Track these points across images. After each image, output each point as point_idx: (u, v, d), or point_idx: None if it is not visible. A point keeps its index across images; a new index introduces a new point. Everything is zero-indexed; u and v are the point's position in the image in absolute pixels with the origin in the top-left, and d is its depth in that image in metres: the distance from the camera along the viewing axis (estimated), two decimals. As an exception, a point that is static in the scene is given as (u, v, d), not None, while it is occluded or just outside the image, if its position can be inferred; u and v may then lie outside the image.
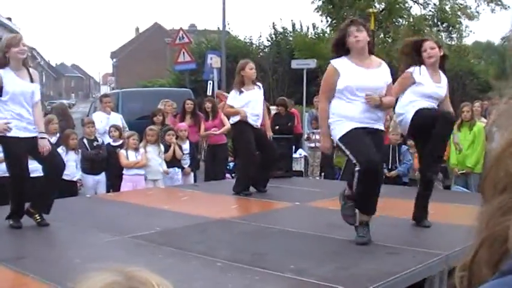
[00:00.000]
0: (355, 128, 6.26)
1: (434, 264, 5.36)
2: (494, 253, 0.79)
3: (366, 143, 6.22)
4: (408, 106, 6.94)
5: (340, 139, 6.31)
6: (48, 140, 7.35)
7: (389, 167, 11.20)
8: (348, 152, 6.25)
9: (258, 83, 9.71)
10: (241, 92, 9.41)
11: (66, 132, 10.40)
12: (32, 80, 7.09)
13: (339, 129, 6.32)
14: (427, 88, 6.93)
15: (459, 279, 0.89)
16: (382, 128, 6.70)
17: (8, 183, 7.22)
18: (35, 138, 7.01)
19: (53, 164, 7.25)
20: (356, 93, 6.30)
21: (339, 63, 6.40)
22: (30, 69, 7.23)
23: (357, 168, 6.10)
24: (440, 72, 7.25)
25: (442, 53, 7.15)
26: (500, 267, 0.78)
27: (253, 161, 9.42)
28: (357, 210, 6.32)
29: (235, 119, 9.40)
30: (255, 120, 9.44)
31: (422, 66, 7.01)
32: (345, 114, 6.32)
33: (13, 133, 6.83)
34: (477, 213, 0.87)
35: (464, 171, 10.80)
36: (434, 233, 6.70)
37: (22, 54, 6.97)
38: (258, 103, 9.49)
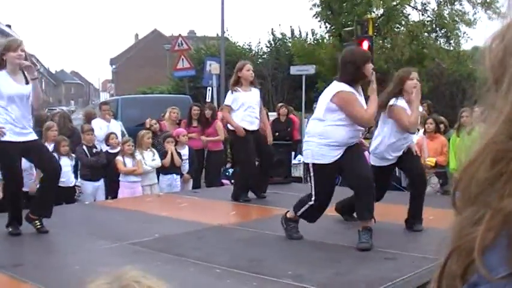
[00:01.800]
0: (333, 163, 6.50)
1: (433, 269, 5.35)
2: (462, 264, 0.80)
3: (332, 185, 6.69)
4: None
5: (314, 165, 6.55)
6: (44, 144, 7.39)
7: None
8: (312, 181, 6.58)
9: (255, 85, 9.70)
10: (234, 91, 9.41)
11: (57, 139, 10.39)
12: (27, 82, 7.08)
13: (320, 153, 6.49)
14: None
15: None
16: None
17: (3, 189, 7.25)
18: (29, 142, 7.03)
19: (50, 167, 7.28)
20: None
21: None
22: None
23: (310, 203, 6.57)
24: None
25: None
26: (468, 278, 0.80)
27: (252, 169, 9.46)
28: None
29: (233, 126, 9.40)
30: (251, 123, 9.41)
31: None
32: (335, 139, 6.50)
33: (7, 138, 6.83)
34: (450, 225, 0.89)
35: (463, 177, 10.78)
36: (433, 238, 6.69)
37: (19, 59, 6.94)
38: (254, 105, 9.45)
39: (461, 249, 0.81)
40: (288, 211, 6.82)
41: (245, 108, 9.31)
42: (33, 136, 7.20)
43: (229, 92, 9.59)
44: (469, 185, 0.81)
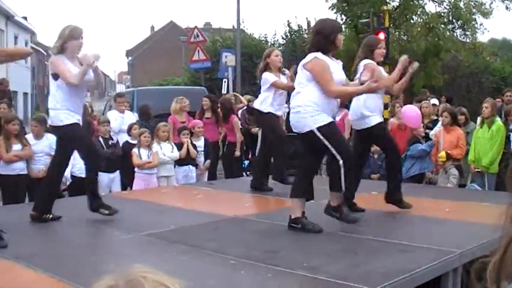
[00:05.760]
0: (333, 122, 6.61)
1: (449, 261, 5.34)
2: None
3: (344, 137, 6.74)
4: None
5: (319, 129, 6.47)
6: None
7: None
8: (329, 145, 6.45)
9: (285, 70, 9.66)
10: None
11: None
12: (81, 65, 7.26)
13: (316, 118, 6.49)
14: None
15: (490, 272, 0.89)
16: None
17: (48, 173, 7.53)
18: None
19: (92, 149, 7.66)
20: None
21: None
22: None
23: (341, 166, 6.41)
24: None
25: None
26: None
27: (284, 146, 9.51)
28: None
29: (265, 108, 9.32)
30: (279, 109, 9.47)
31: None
32: (322, 105, 6.52)
33: (73, 121, 7.10)
34: (504, 210, 0.88)
35: (479, 170, 10.69)
36: (448, 231, 6.67)
37: (80, 47, 7.22)
38: (283, 92, 9.43)
39: None
40: (329, 201, 6.75)
41: (275, 93, 9.29)
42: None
43: (268, 73, 9.39)
44: None
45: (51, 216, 7.17)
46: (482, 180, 10.65)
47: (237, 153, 12.78)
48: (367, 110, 7.51)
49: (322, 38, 6.64)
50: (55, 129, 7.51)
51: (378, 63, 7.66)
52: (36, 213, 7.18)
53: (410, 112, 11.09)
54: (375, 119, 7.57)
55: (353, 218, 6.81)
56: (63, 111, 7.07)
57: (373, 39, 8.36)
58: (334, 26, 6.92)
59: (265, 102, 9.27)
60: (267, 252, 5.61)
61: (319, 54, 6.57)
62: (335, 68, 6.68)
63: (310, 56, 6.60)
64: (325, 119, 6.48)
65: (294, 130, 6.88)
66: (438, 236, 6.30)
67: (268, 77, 9.24)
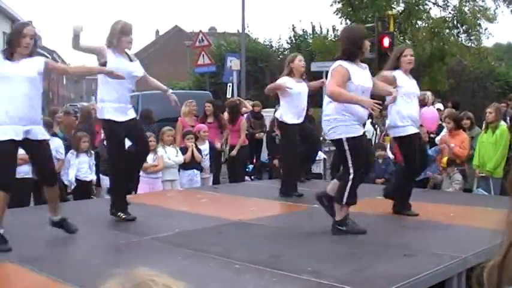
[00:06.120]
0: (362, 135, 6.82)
1: (452, 266, 5.34)
2: None
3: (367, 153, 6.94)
4: None
5: (348, 139, 6.62)
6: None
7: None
8: (349, 157, 6.63)
9: (304, 79, 9.76)
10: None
11: (77, 134, 10.44)
12: (131, 60, 7.47)
13: (349, 129, 6.62)
14: None
15: (488, 276, 0.90)
16: None
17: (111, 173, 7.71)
18: (131, 121, 7.34)
19: (144, 149, 7.80)
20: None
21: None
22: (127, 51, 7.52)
23: (350, 179, 6.61)
24: None
25: None
26: None
27: (295, 162, 9.58)
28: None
29: (284, 117, 9.40)
30: (300, 115, 9.47)
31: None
32: (353, 113, 6.64)
33: (113, 116, 7.17)
34: (505, 215, 0.88)
35: (484, 174, 10.67)
36: (452, 236, 6.67)
37: (130, 44, 7.38)
38: (304, 97, 9.50)
39: None
40: (335, 218, 6.78)
41: (298, 99, 9.38)
42: (132, 113, 7.48)
43: (287, 77, 9.47)
44: None
45: (123, 215, 7.35)
46: (487, 185, 10.62)
47: (234, 152, 12.78)
48: (401, 119, 7.68)
49: (350, 44, 6.74)
50: (100, 122, 7.75)
51: (407, 71, 7.82)
52: (113, 210, 7.44)
53: (427, 113, 11.09)
54: (408, 129, 7.71)
55: (360, 228, 6.77)
56: (105, 104, 7.26)
57: (396, 48, 8.52)
58: (361, 33, 7.06)
59: (284, 111, 9.41)
60: (272, 257, 5.62)
61: (344, 62, 6.66)
62: (360, 75, 6.75)
63: (336, 63, 6.72)
64: (357, 131, 6.67)
65: (326, 137, 7.04)
66: (442, 241, 6.30)
67: (278, 80, 9.37)
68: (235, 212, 8.28)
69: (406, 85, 7.69)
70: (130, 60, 7.44)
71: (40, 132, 6.28)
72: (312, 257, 5.65)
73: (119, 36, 7.20)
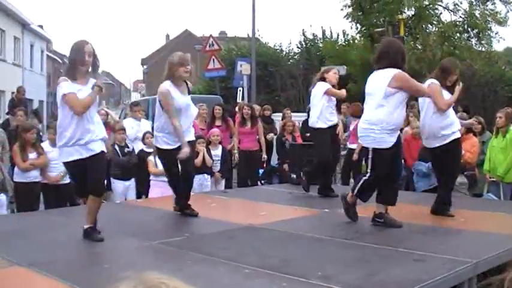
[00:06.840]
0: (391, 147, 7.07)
1: (463, 271, 5.32)
2: None
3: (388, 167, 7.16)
4: None
5: (374, 150, 7.09)
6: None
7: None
8: (369, 162, 7.14)
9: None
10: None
11: None
12: (189, 93, 7.71)
13: (380, 140, 7.02)
14: None
15: (509, 282, 0.90)
16: None
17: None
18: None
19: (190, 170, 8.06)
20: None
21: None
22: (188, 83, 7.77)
23: (365, 178, 7.21)
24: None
25: None
26: None
27: (327, 164, 9.82)
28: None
29: (320, 124, 9.60)
30: (331, 120, 9.69)
31: None
32: (394, 122, 7.06)
33: (166, 146, 7.67)
34: None
35: (494, 179, 10.62)
36: (463, 241, 6.66)
37: (187, 74, 7.52)
38: (334, 105, 9.82)
39: None
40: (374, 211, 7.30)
41: (332, 107, 9.68)
42: (191, 136, 7.80)
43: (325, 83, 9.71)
44: None
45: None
46: (497, 190, 10.57)
47: (264, 156, 13.22)
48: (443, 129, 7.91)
49: (396, 55, 7.13)
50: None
51: (448, 88, 7.93)
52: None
53: None
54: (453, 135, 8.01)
55: (397, 222, 7.19)
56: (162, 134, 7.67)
57: (448, 62, 8.56)
58: (401, 45, 7.70)
59: (316, 116, 9.61)
60: (282, 261, 5.61)
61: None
62: None
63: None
64: (387, 144, 7.01)
65: (359, 141, 7.78)
66: (453, 246, 6.28)
67: (323, 86, 9.57)
68: (246, 216, 8.28)
69: None
70: (188, 89, 7.71)
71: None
72: (322, 262, 5.64)
73: (177, 68, 7.46)
